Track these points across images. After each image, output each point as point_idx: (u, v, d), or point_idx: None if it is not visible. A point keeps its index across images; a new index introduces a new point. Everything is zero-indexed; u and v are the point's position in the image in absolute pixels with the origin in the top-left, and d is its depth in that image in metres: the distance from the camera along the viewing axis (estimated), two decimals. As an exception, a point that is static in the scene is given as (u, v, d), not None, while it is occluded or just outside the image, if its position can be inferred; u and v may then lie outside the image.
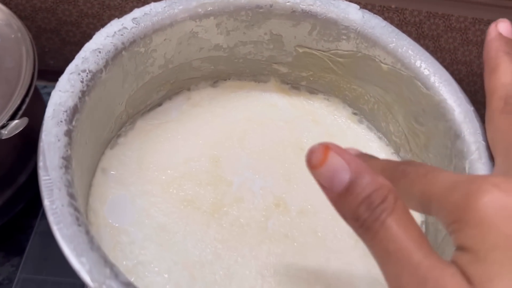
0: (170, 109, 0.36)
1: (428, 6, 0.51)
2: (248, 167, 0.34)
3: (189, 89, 0.37)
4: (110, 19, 0.31)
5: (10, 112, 0.41)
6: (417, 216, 0.33)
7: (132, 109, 0.34)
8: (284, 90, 0.38)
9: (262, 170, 0.34)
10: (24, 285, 0.41)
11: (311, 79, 0.37)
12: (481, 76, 0.57)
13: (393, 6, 0.51)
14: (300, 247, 0.31)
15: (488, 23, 0.52)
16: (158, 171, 0.33)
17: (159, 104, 0.36)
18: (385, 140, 0.36)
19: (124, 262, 0.29)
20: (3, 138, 0.40)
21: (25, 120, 0.41)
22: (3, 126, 0.40)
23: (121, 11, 0.52)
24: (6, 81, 0.43)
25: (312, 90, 0.38)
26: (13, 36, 0.46)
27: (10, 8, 0.47)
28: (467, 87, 0.58)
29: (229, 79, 0.38)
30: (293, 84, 0.38)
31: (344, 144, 0.36)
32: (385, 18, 0.52)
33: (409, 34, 0.53)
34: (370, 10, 0.51)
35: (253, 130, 0.36)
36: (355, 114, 0.37)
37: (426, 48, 0.54)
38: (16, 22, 0.46)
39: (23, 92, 0.42)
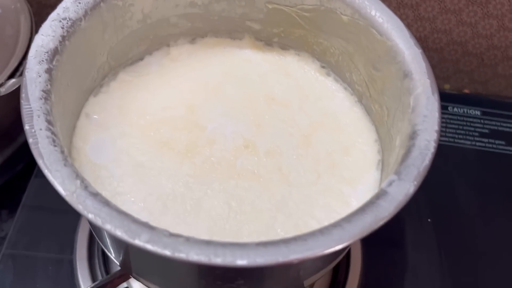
0: (150, 63, 0.39)
1: (405, -25, 0.54)
2: (222, 114, 0.37)
3: (168, 45, 0.40)
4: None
5: (8, 73, 0.45)
6: (374, 156, 0.36)
7: (114, 61, 0.37)
8: (258, 46, 0.41)
9: (234, 117, 0.37)
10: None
11: (282, 35, 0.40)
12: (461, 44, 0.59)
13: (372, -24, 0.54)
14: (266, 182, 0.34)
15: (464, -9, 0.54)
16: (138, 116, 0.36)
17: (141, 59, 0.39)
18: (350, 90, 0.39)
19: (104, 193, 0.32)
20: (1, 95, 0.43)
21: (21, 79, 0.44)
22: (1, 85, 0.43)
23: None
24: (6, 47, 0.47)
25: (284, 46, 0.40)
26: (12, 6, 0.50)
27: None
28: (448, 56, 0.61)
29: (206, 36, 0.40)
30: (266, 41, 0.41)
31: (312, 94, 0.39)
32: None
33: (389, 4, 0.56)
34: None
35: (228, 82, 0.39)
36: (323, 67, 0.40)
37: (406, 17, 0.57)
38: (14, -8, 0.49)
39: (21, 55, 0.46)
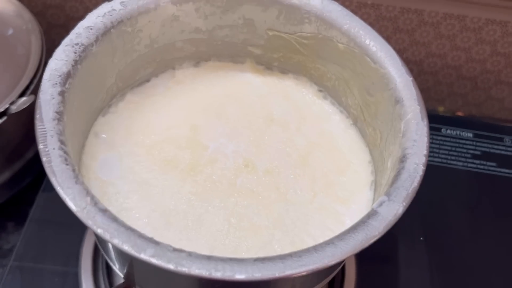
0: (156, 85, 0.41)
1: (401, 2, 0.56)
2: (223, 134, 0.39)
3: (174, 68, 0.42)
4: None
5: (19, 91, 0.47)
6: (368, 176, 0.37)
7: (122, 83, 0.39)
8: (258, 70, 0.43)
9: (235, 137, 0.39)
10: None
11: (282, 60, 0.42)
12: (455, 68, 0.61)
13: (369, 2, 0.56)
14: (264, 200, 0.36)
15: (458, 18, 0.56)
16: (144, 135, 0.38)
17: (147, 80, 0.41)
18: (345, 113, 0.40)
19: (110, 208, 0.34)
20: (12, 112, 0.45)
21: (31, 98, 0.46)
22: (13, 103, 0.45)
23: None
24: (17, 66, 0.49)
25: (284, 70, 0.43)
26: (24, 27, 0.52)
27: (23, 5, 0.53)
28: (443, 79, 0.63)
29: (210, 60, 0.42)
30: (267, 65, 0.43)
31: (310, 116, 0.41)
32: (362, 14, 0.57)
33: (385, 29, 0.58)
34: (348, 6, 0.56)
35: (230, 104, 0.41)
36: (320, 91, 0.42)
37: (402, 42, 0.59)
38: (26, 14, 0.52)
39: (31, 74, 0.48)
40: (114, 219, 0.27)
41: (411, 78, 0.34)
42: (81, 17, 0.61)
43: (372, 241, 0.28)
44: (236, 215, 0.35)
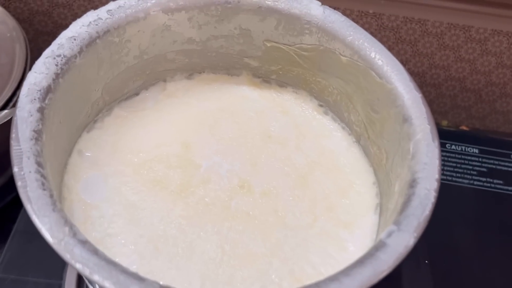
0: (146, 99, 0.38)
1: (404, 11, 0.54)
2: (217, 152, 0.36)
3: (165, 81, 0.39)
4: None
5: (1, 103, 0.44)
6: (372, 199, 0.35)
7: (109, 97, 0.36)
8: (255, 83, 0.40)
9: (230, 155, 0.36)
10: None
11: (280, 72, 0.39)
12: (459, 80, 0.59)
13: (371, 11, 0.54)
14: (261, 224, 0.33)
15: (463, 28, 0.54)
16: (131, 154, 0.35)
17: (136, 94, 0.38)
18: (348, 129, 0.38)
19: (94, 234, 0.31)
20: (-7, 126, 0.42)
21: (14, 110, 0.43)
22: (-6, 115, 0.43)
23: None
24: (0, 76, 0.46)
25: (282, 84, 0.40)
26: (8, 35, 0.49)
27: (9, 12, 0.51)
28: (446, 92, 0.60)
29: (203, 72, 0.40)
30: (264, 77, 0.40)
31: (309, 133, 0.38)
32: (363, 23, 0.55)
33: (387, 39, 0.56)
34: (349, 15, 0.54)
35: (224, 119, 0.38)
36: (321, 106, 0.39)
37: (404, 52, 0.57)
38: (10, 21, 0.49)
39: (15, 85, 0.45)
40: (95, 251, 0.24)
41: (421, 95, 0.32)
42: (69, 24, 0.59)
43: (381, 276, 0.25)
44: (231, 242, 0.32)
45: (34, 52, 0.49)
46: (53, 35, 0.58)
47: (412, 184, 0.28)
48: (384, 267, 0.25)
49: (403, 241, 0.26)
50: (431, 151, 0.30)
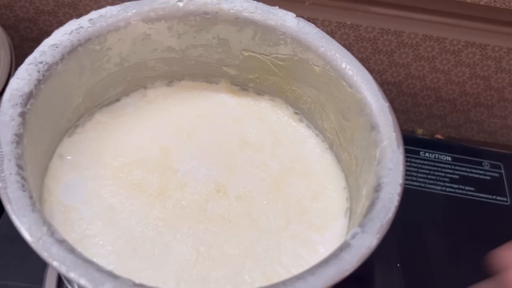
0: (127, 105, 0.40)
1: (381, 23, 0.55)
2: (195, 157, 0.37)
3: (145, 87, 0.40)
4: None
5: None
6: (343, 203, 0.36)
7: (90, 103, 0.37)
8: (233, 91, 0.42)
9: (207, 160, 0.37)
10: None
11: (257, 81, 0.41)
12: (434, 90, 0.61)
13: (348, 23, 0.55)
14: (235, 227, 0.34)
15: (438, 40, 0.56)
16: (111, 158, 0.36)
17: (117, 100, 0.39)
18: (321, 136, 0.39)
19: (72, 235, 0.32)
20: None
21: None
22: (-23, 120, 0.44)
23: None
24: (-16, 81, 0.47)
25: (259, 92, 0.41)
26: (-7, 41, 0.50)
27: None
28: (422, 101, 0.62)
29: (183, 79, 0.41)
30: (242, 85, 0.41)
31: (285, 139, 0.40)
32: (341, 34, 0.56)
33: (365, 50, 0.58)
34: (327, 26, 0.56)
35: (203, 126, 0.40)
36: (296, 113, 0.41)
37: (381, 63, 0.59)
38: (-5, 27, 0.50)
39: (-2, 90, 0.46)
40: (72, 250, 0.26)
41: (388, 104, 0.33)
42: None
43: (344, 275, 0.26)
44: (206, 243, 0.33)
45: (19, 58, 0.49)
46: (38, 42, 0.59)
47: (377, 188, 0.30)
48: (347, 267, 0.26)
49: (366, 242, 0.27)
50: (396, 157, 0.31)
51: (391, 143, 0.31)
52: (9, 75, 0.48)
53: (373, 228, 0.28)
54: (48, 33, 0.58)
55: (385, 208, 0.29)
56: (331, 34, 0.54)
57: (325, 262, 0.27)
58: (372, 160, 0.32)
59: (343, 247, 0.27)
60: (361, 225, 0.28)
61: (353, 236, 0.28)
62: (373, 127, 0.33)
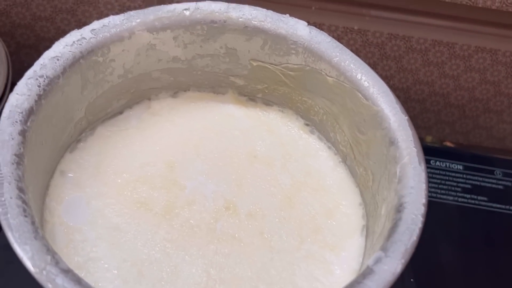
0: (130, 117, 0.38)
1: (389, 28, 0.54)
2: (202, 172, 0.36)
3: (149, 99, 0.39)
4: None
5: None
6: (359, 220, 0.35)
7: (92, 116, 0.36)
8: (241, 101, 0.40)
9: (215, 176, 0.36)
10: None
11: (266, 91, 0.39)
12: (443, 95, 0.59)
13: (356, 28, 0.54)
14: (246, 247, 0.33)
15: (447, 45, 0.54)
16: (115, 174, 0.35)
17: (120, 112, 0.38)
18: (334, 149, 0.38)
19: (76, 259, 0.31)
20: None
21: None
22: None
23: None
24: (-20, 91, 0.45)
25: (268, 102, 0.40)
26: (-11, 49, 0.48)
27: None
28: (430, 107, 0.61)
29: (188, 90, 0.40)
30: (250, 96, 0.40)
31: (295, 152, 0.38)
32: (348, 40, 0.55)
33: (372, 55, 0.56)
34: (334, 31, 0.54)
35: (209, 138, 0.38)
36: (307, 125, 0.39)
37: (389, 68, 0.57)
38: (-9, 35, 0.48)
39: (-5, 101, 0.44)
40: (78, 281, 0.24)
41: (407, 117, 0.32)
42: (52, 38, 0.58)
43: (368, 304, 0.25)
44: (216, 265, 0.32)
45: (15, 65, 0.48)
46: (35, 48, 0.58)
47: (399, 208, 0.28)
48: (371, 295, 0.25)
49: (391, 268, 0.26)
50: (418, 175, 0.29)
51: (412, 159, 0.30)
52: (7, 83, 0.46)
53: (397, 253, 0.26)
54: (45, 40, 0.56)
55: (409, 230, 0.27)
56: (338, 39, 0.52)
57: (348, 290, 0.25)
58: (392, 177, 0.30)
59: (366, 273, 0.26)
60: (384, 249, 0.27)
61: (376, 261, 0.26)
62: (392, 142, 0.31)
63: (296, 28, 0.35)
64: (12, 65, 0.49)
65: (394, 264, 0.26)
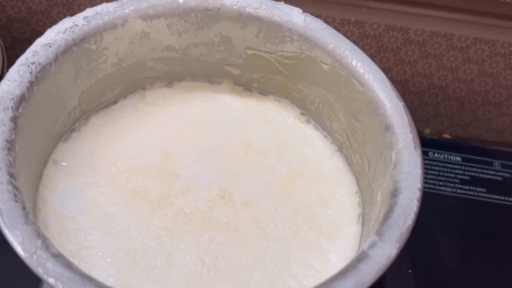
0: (124, 107, 0.38)
1: (386, 19, 0.54)
2: (197, 162, 0.36)
3: (144, 89, 0.38)
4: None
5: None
6: (355, 208, 0.34)
7: (86, 105, 0.35)
8: (237, 91, 0.40)
9: (210, 165, 0.36)
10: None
11: (262, 80, 0.39)
12: (441, 88, 0.59)
13: (353, 19, 0.54)
14: (241, 235, 0.32)
15: (445, 36, 0.54)
16: (109, 163, 0.34)
17: (114, 102, 0.37)
18: (330, 138, 0.38)
19: (69, 247, 0.31)
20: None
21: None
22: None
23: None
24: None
25: (263, 92, 0.39)
26: (-16, 42, 0.48)
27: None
28: (428, 100, 0.60)
29: (183, 80, 0.39)
30: (246, 85, 0.39)
31: (292, 142, 0.38)
32: (345, 31, 0.55)
33: (370, 47, 0.56)
34: (331, 23, 0.54)
35: (205, 128, 0.38)
36: (303, 114, 0.39)
37: (387, 60, 0.57)
38: (-14, 28, 0.48)
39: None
40: (69, 265, 0.24)
41: (402, 103, 0.31)
42: (48, 32, 0.57)
43: (363, 288, 0.24)
44: (211, 253, 0.31)
45: (11, 59, 0.47)
46: (31, 42, 0.57)
47: (394, 193, 0.28)
48: (366, 279, 0.25)
49: (386, 252, 0.26)
50: (413, 160, 0.29)
51: (408, 145, 0.30)
52: (1, 77, 0.46)
53: (392, 237, 0.26)
54: (41, 34, 0.55)
55: (404, 214, 0.27)
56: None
57: (342, 274, 0.25)
58: (387, 163, 0.30)
59: (361, 257, 0.25)
60: (379, 233, 0.26)
61: (371, 246, 0.26)
62: (388, 128, 0.31)
63: (290, 15, 0.35)
64: (8, 59, 0.49)
65: (389, 248, 0.26)
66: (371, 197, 0.32)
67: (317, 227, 0.34)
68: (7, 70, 0.46)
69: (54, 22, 0.56)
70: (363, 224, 0.33)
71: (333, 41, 0.34)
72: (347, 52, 0.33)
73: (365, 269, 0.25)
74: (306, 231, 0.33)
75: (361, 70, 0.33)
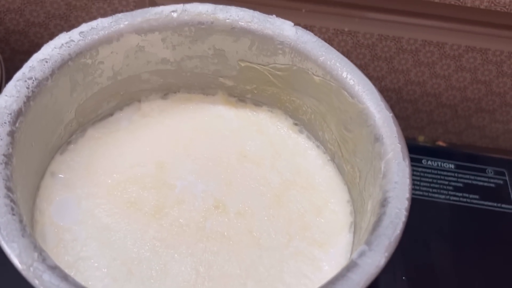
0: (120, 119, 0.38)
1: (379, 29, 0.54)
2: (192, 172, 0.36)
3: (139, 101, 0.39)
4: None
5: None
6: (347, 217, 0.35)
7: (82, 118, 0.36)
8: (231, 102, 0.40)
9: (205, 175, 0.36)
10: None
11: (255, 92, 0.39)
12: (435, 96, 0.60)
13: (346, 30, 0.54)
14: (235, 245, 0.33)
15: (437, 45, 0.55)
16: (105, 175, 0.35)
17: (110, 114, 0.38)
18: (322, 148, 0.38)
19: (66, 258, 0.31)
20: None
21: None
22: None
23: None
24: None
25: (257, 103, 0.40)
26: (-17, 55, 0.49)
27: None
28: (422, 107, 0.61)
29: (178, 91, 0.40)
30: (240, 97, 0.40)
31: (285, 152, 0.39)
32: (339, 41, 0.55)
33: (363, 57, 0.57)
34: (324, 33, 0.55)
35: (199, 139, 0.38)
36: (296, 124, 0.39)
37: (380, 69, 0.58)
38: (-15, 41, 0.49)
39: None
40: (65, 277, 0.24)
41: (391, 114, 0.32)
42: (46, 43, 0.58)
43: (352, 297, 0.25)
44: (205, 263, 0.32)
45: (10, 72, 0.48)
46: (30, 54, 0.58)
47: (383, 203, 0.29)
48: (355, 288, 0.25)
49: (374, 261, 0.26)
50: (402, 170, 0.30)
51: (396, 155, 0.30)
52: (0, 89, 0.47)
53: (380, 246, 0.27)
54: (39, 46, 0.56)
55: (393, 224, 0.27)
56: (329, 41, 0.53)
57: (332, 283, 0.25)
58: (377, 173, 0.31)
59: (350, 267, 0.26)
60: (368, 242, 0.27)
61: (360, 255, 0.26)
62: (377, 139, 0.32)
63: (282, 28, 0.36)
64: (6, 71, 0.50)
65: (377, 257, 0.26)
66: (362, 206, 0.33)
67: (309, 236, 0.34)
68: (6, 82, 0.47)
69: (51, 34, 0.57)
70: (354, 233, 0.34)
71: (323, 53, 0.35)
72: (337, 64, 0.34)
73: (354, 278, 0.25)
74: (299, 240, 0.34)
75: (351, 82, 0.34)
